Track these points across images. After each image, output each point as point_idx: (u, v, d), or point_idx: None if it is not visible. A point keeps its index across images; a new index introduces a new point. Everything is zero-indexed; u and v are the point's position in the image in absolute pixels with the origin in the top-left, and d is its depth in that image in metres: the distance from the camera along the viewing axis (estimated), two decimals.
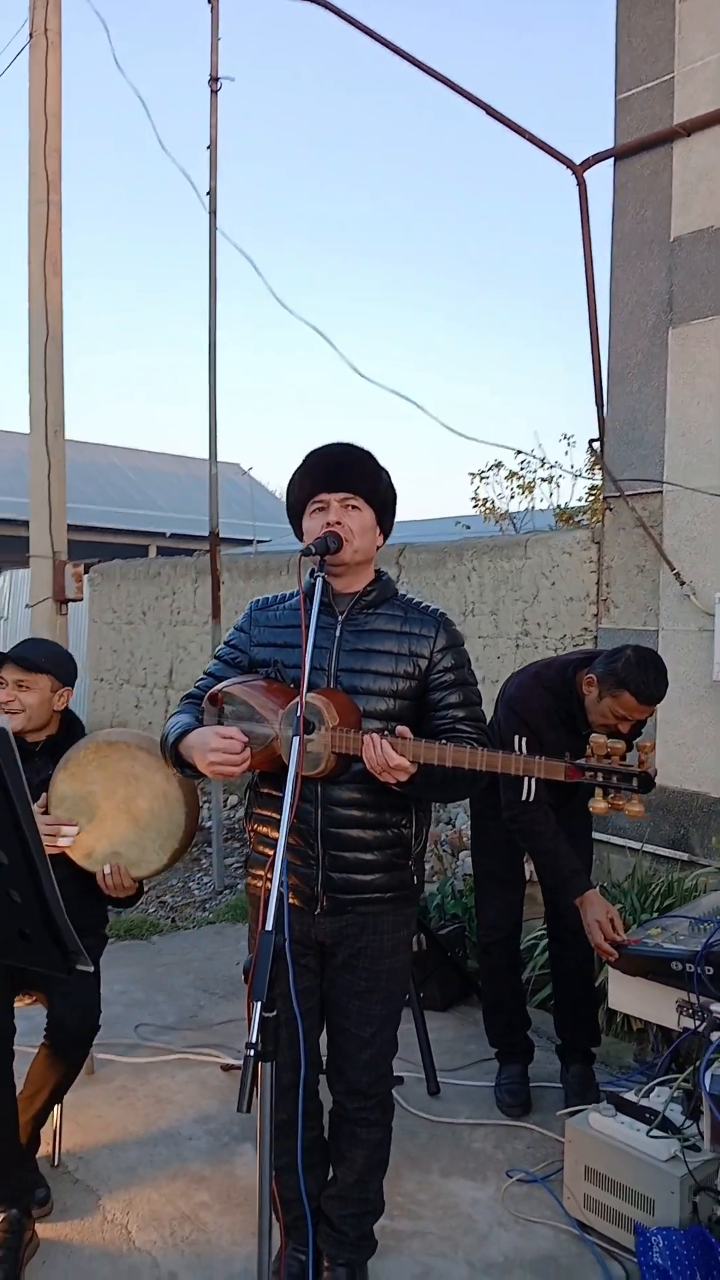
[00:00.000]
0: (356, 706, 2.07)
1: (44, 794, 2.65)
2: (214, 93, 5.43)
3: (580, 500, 13.03)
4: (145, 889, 2.82)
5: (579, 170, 5.84)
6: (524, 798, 2.94)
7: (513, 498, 13.10)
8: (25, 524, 7.75)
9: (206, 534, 6.97)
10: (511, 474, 12.75)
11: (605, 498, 5.82)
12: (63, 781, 2.63)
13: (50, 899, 1.53)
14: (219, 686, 2.15)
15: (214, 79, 5.43)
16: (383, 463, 2.24)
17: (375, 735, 1.93)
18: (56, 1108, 2.75)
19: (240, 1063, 3.36)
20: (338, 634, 2.16)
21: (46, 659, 2.74)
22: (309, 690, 2.06)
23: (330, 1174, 2.32)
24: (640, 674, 2.81)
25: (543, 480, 12.90)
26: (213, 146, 5.49)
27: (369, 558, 2.21)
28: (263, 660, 2.21)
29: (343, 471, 2.16)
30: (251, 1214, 2.46)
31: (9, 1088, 2.46)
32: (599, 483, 12.21)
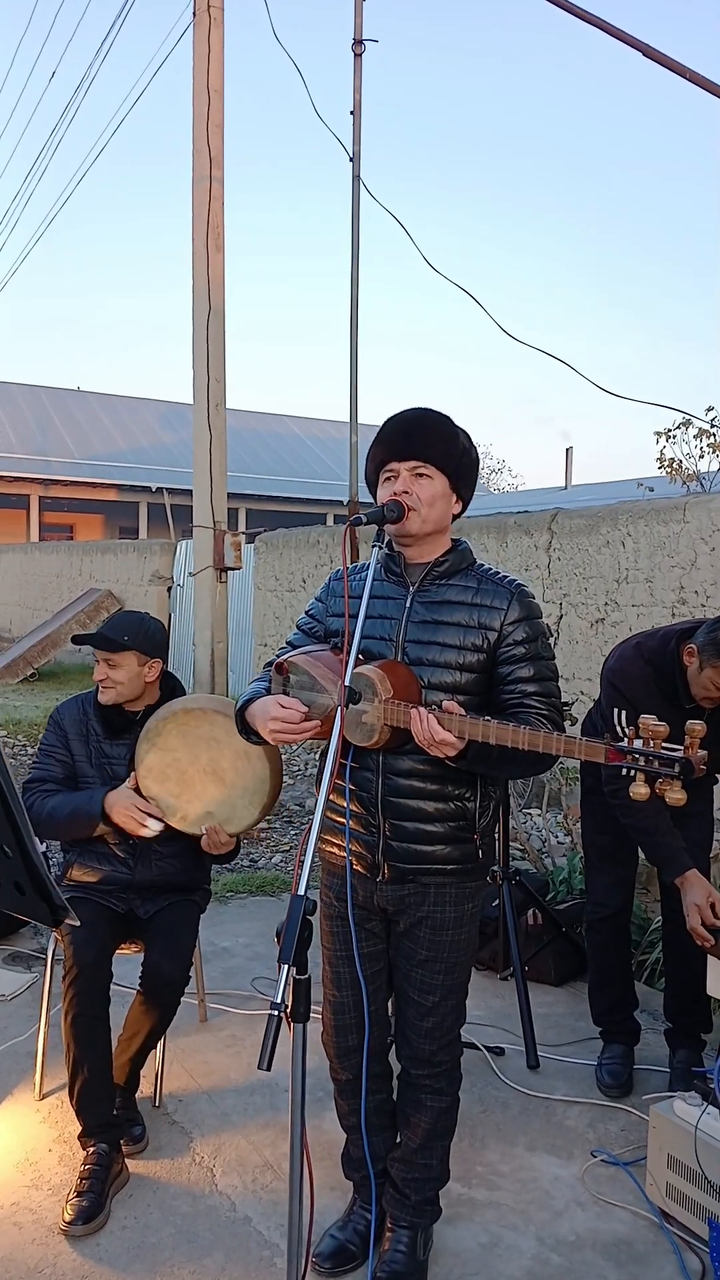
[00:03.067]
0: (417, 679, 2.05)
1: (133, 774, 2.77)
2: (358, 56, 5.40)
3: None
4: (242, 844, 2.90)
5: None
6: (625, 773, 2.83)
7: (702, 456, 12.47)
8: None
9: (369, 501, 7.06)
10: (701, 432, 12.13)
11: None
12: (148, 753, 2.74)
13: (33, 858, 1.61)
14: (284, 657, 2.19)
15: (358, 41, 5.39)
16: (461, 426, 2.19)
17: (422, 709, 1.91)
18: (161, 1050, 2.90)
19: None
20: (408, 605, 2.13)
21: (130, 635, 2.82)
22: (369, 661, 2.06)
23: (398, 1136, 2.34)
24: None
25: None
26: (356, 110, 5.47)
27: (442, 527, 2.16)
28: (336, 630, 2.22)
29: (412, 439, 2.11)
30: (333, 1168, 2.51)
31: (105, 1030, 2.61)
32: None
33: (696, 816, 3.15)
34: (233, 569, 7.68)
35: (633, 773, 1.69)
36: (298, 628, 2.34)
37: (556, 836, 5.32)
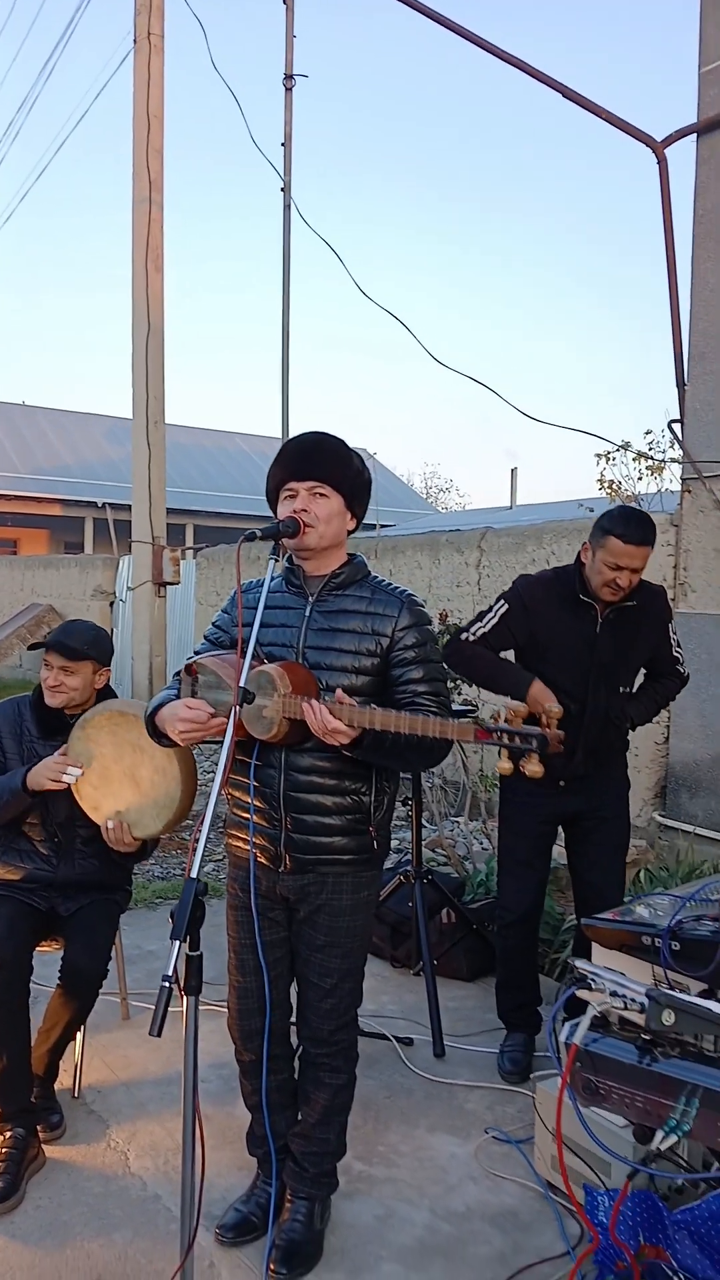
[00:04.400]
0: (314, 678, 2.22)
1: (62, 747, 2.90)
2: (288, 90, 5.60)
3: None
4: (150, 851, 3.03)
5: (659, 148, 5.76)
6: (465, 636, 3.20)
7: (640, 479, 12.84)
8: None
9: None
10: (639, 455, 12.49)
11: (684, 479, 5.76)
12: (78, 740, 2.87)
13: None
14: (193, 659, 2.34)
15: (289, 76, 5.59)
16: (355, 449, 2.37)
17: (314, 702, 2.08)
18: (80, 1043, 3.02)
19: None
20: (307, 614, 2.30)
21: (88, 645, 2.97)
22: (270, 661, 2.22)
23: (300, 1114, 2.48)
24: (620, 520, 3.00)
25: (674, 461, 12.55)
26: (287, 142, 5.67)
27: (338, 542, 2.34)
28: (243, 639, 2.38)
29: (310, 461, 2.29)
30: (241, 1150, 2.65)
31: (24, 1021, 2.72)
32: None
33: (614, 819, 3.34)
34: (171, 584, 7.79)
35: (499, 750, 1.87)
36: (205, 638, 2.49)
37: (480, 843, 5.50)
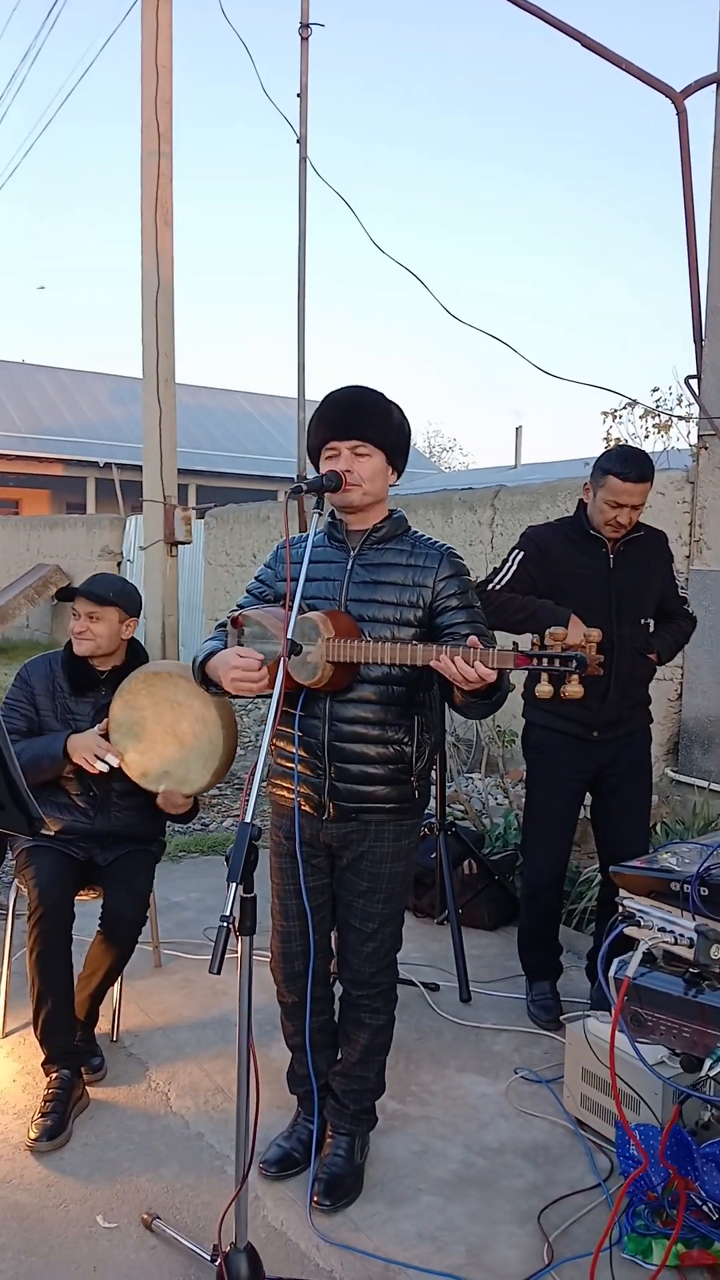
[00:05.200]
0: (356, 625, 2.26)
1: (105, 720, 2.94)
2: (304, 40, 5.53)
3: None
4: (200, 806, 3.09)
5: (679, 98, 5.69)
6: (492, 587, 3.24)
7: (647, 437, 12.79)
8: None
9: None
10: (647, 412, 12.44)
11: (701, 436, 5.75)
12: (118, 708, 2.92)
13: (13, 773, 1.79)
14: (240, 611, 2.38)
15: (304, 25, 5.52)
16: (394, 400, 2.38)
17: (445, 650, 2.03)
18: (118, 990, 3.10)
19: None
20: (349, 567, 2.34)
21: (114, 593, 3.02)
22: (313, 610, 2.26)
23: (339, 1054, 2.56)
24: (617, 457, 3.11)
25: (680, 419, 12.51)
26: (303, 93, 5.60)
27: (380, 498, 2.37)
28: (284, 594, 2.41)
29: (351, 419, 2.31)
30: (279, 1090, 2.73)
31: (68, 966, 2.79)
32: None
33: (640, 774, 3.38)
34: (183, 543, 7.81)
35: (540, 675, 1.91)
36: (247, 591, 2.53)
37: (495, 798, 5.58)
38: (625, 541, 3.23)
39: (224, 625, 2.49)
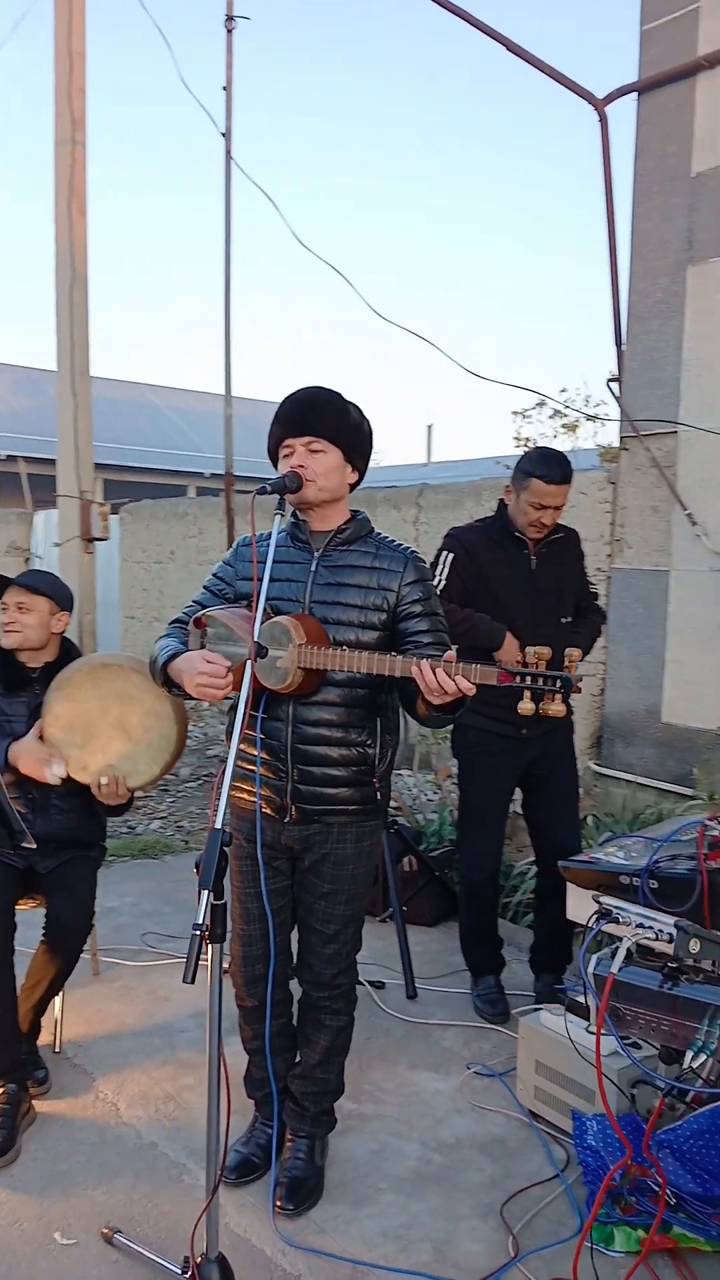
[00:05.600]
0: (324, 630, 2.24)
1: (39, 722, 2.85)
2: (229, 31, 5.46)
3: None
4: (133, 803, 3.03)
5: (601, 105, 5.81)
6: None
7: (555, 437, 13.03)
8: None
9: (246, 474, 7.15)
10: (555, 412, 12.68)
11: (622, 438, 5.87)
12: (57, 702, 2.83)
13: None
14: (203, 612, 2.33)
15: (229, 17, 5.45)
16: (352, 400, 2.37)
17: (424, 663, 2.01)
18: (59, 1000, 3.02)
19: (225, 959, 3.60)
20: (313, 569, 2.32)
21: (45, 584, 2.94)
22: (281, 613, 2.23)
23: (297, 1057, 2.54)
24: (540, 460, 3.19)
25: (587, 419, 12.79)
26: (229, 86, 5.54)
27: (338, 496, 2.35)
28: (246, 593, 2.38)
29: (306, 416, 2.29)
30: (236, 1095, 2.68)
31: (11, 978, 2.71)
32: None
33: (567, 767, 3.45)
34: (100, 540, 7.64)
35: (522, 692, 1.92)
36: (205, 588, 2.48)
37: (426, 794, 5.62)
38: (546, 543, 3.32)
39: (178, 623, 2.44)
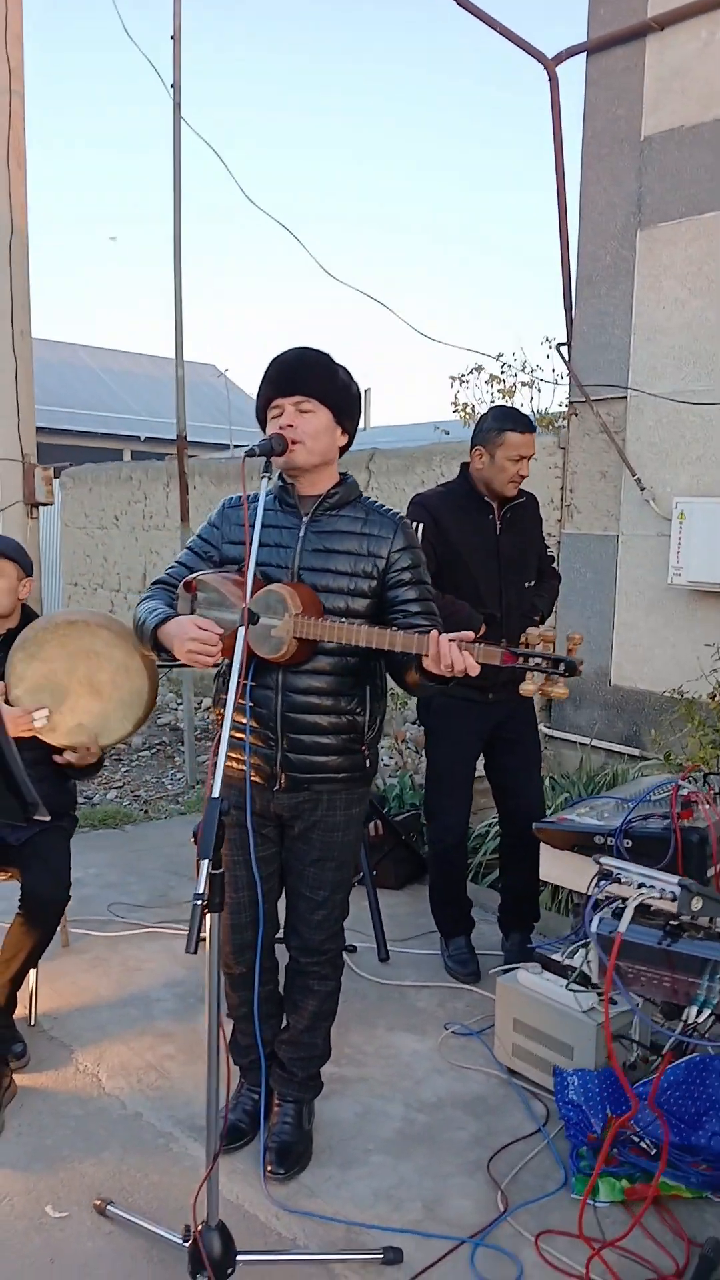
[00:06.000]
0: (319, 599, 2.22)
1: (1, 684, 2.79)
2: None
3: (561, 405, 12.95)
4: (103, 764, 2.99)
5: (551, 65, 5.76)
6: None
7: (493, 402, 13.01)
8: None
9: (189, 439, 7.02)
10: (492, 378, 12.66)
11: (571, 403, 5.89)
12: (21, 662, 2.76)
13: (8, 754, 1.70)
14: (194, 575, 2.28)
15: None
16: (341, 363, 2.33)
17: (442, 636, 2.01)
18: (32, 974, 2.98)
19: (206, 934, 3.61)
20: (301, 534, 2.28)
21: (12, 549, 2.87)
22: (276, 581, 2.21)
23: (284, 1023, 2.55)
24: (508, 417, 3.23)
25: (524, 385, 12.81)
26: (176, 36, 5.37)
27: (327, 459, 2.31)
28: (232, 557, 2.34)
29: (295, 375, 2.25)
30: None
31: None
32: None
33: (529, 730, 3.49)
34: (44, 505, 7.48)
35: (524, 674, 1.93)
36: (189, 549, 2.43)
37: (384, 759, 5.64)
38: (511, 507, 3.35)
39: (161, 584, 2.39)
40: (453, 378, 13.12)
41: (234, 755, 2.34)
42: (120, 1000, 3.19)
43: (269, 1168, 2.38)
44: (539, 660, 1.92)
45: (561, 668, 1.89)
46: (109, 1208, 2.24)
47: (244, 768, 2.32)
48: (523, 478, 3.27)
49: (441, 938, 3.53)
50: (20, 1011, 2.98)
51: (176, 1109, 2.63)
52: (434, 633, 2.02)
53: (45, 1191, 2.32)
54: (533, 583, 3.44)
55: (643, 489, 5.17)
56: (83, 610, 2.90)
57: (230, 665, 2.37)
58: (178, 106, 5.38)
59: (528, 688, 1.94)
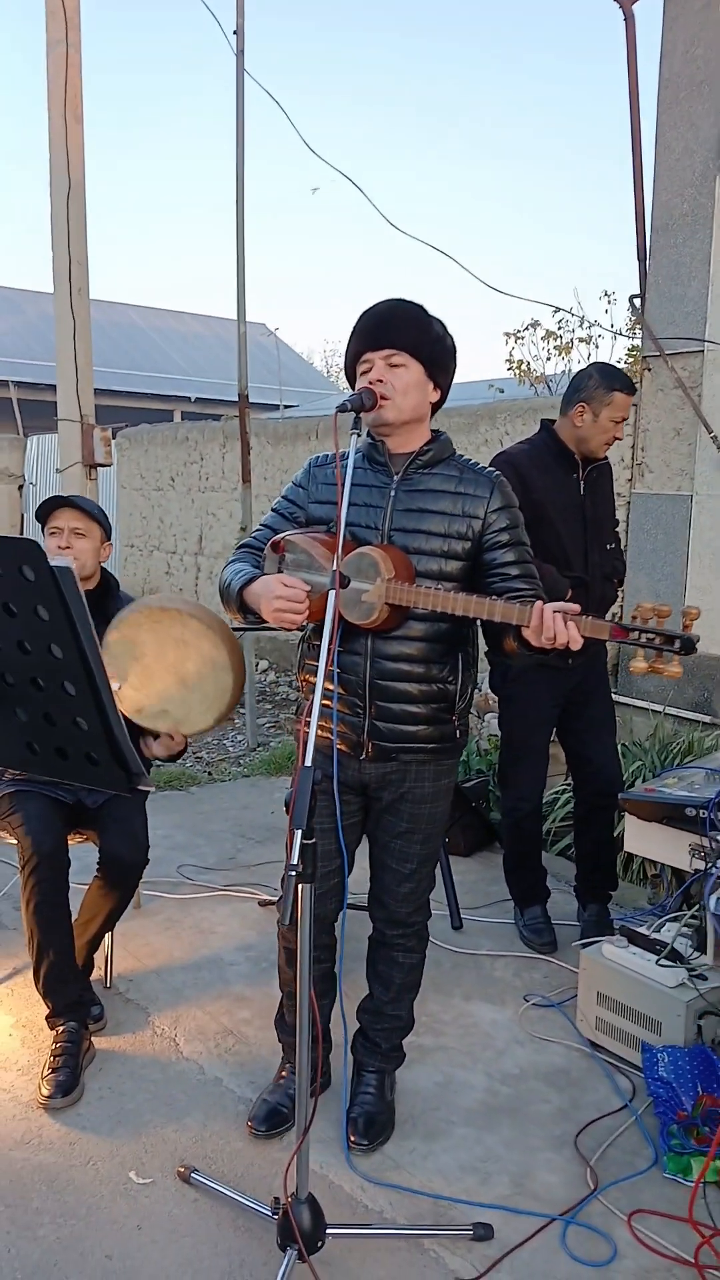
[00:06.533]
0: (411, 563, 2.13)
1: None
2: None
3: (620, 361, 12.62)
4: (187, 748, 2.94)
5: (626, 4, 5.51)
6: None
7: (549, 359, 12.71)
8: (51, 388, 7.70)
9: (232, 398, 6.92)
10: (548, 334, 12.35)
11: (644, 357, 5.70)
12: (115, 642, 2.72)
13: (114, 724, 1.66)
14: (281, 535, 2.21)
15: None
16: (436, 315, 2.22)
17: (546, 607, 1.91)
18: (108, 937, 2.97)
19: (277, 898, 3.57)
20: (392, 493, 2.19)
21: (96, 510, 2.81)
22: (367, 543, 2.12)
23: (369, 993, 2.50)
24: (616, 375, 3.15)
25: (581, 340, 12.49)
26: None
27: (419, 416, 2.21)
28: (319, 517, 2.26)
29: (386, 328, 2.15)
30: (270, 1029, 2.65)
31: (67, 915, 2.65)
32: (639, 343, 11.84)
33: (605, 693, 3.40)
34: (103, 465, 7.44)
35: (635, 650, 1.83)
36: (274, 511, 2.36)
37: None
38: (594, 468, 3.26)
39: (247, 547, 2.33)
40: (507, 334, 12.80)
41: (321, 722, 2.27)
42: (194, 963, 3.18)
43: (352, 1138, 2.35)
44: (652, 636, 1.81)
45: (677, 645, 1.78)
46: (193, 1175, 2.22)
47: (325, 734, 2.26)
48: (617, 440, 3.16)
49: (516, 906, 3.47)
50: (96, 974, 2.98)
51: (256, 1075, 2.61)
52: (538, 604, 1.93)
53: (129, 1157, 2.31)
54: (613, 545, 3.34)
55: None
56: (176, 597, 2.84)
57: (313, 630, 2.31)
58: (240, 54, 5.23)
59: (638, 665, 1.84)
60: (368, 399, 2.11)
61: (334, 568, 1.96)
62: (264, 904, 3.56)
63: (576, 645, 1.92)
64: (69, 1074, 2.51)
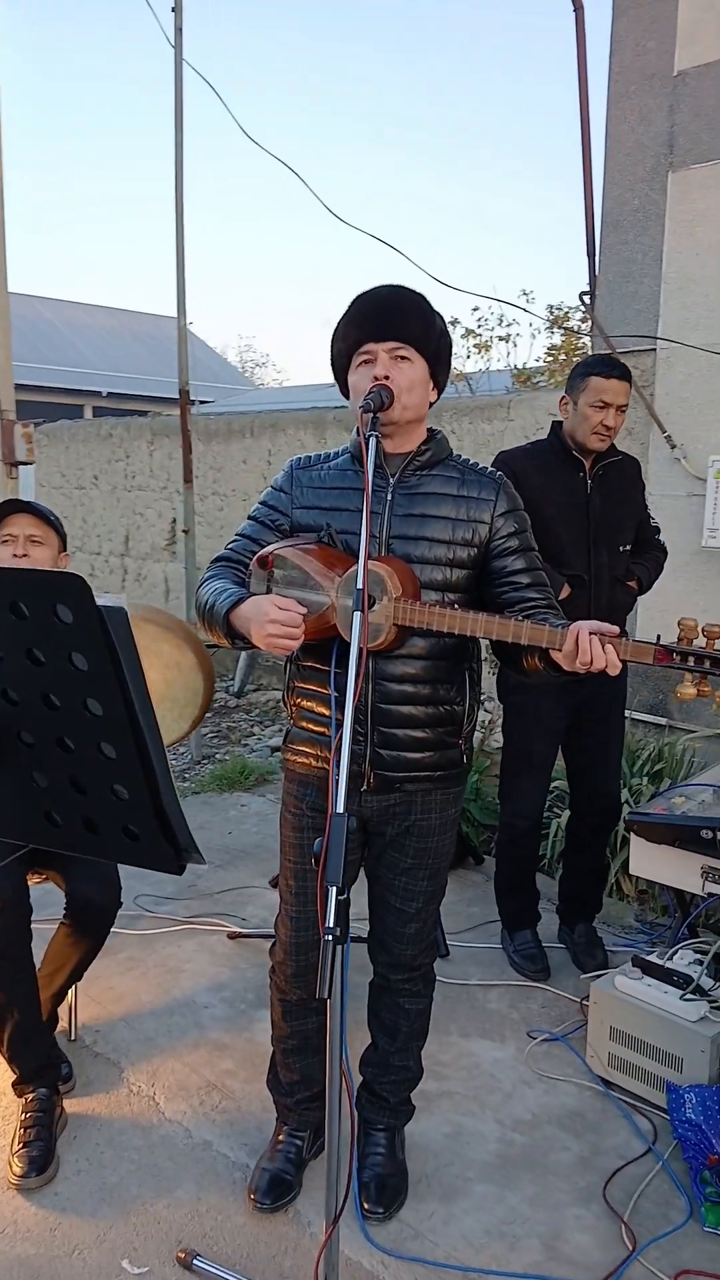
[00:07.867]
0: (416, 576, 1.93)
1: None
2: None
3: (538, 361, 12.63)
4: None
5: None
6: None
7: (468, 357, 12.66)
8: None
9: (146, 394, 6.64)
10: (468, 332, 12.30)
11: (594, 355, 5.61)
12: None
13: (165, 793, 1.41)
14: (270, 549, 1.98)
15: None
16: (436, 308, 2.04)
17: (584, 627, 1.73)
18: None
19: (248, 931, 3.32)
20: (389, 498, 1.99)
21: (52, 518, 2.55)
22: (354, 550, 1.92)
23: (371, 1043, 2.30)
24: (596, 361, 3.03)
25: (500, 339, 12.46)
26: None
27: (420, 415, 2.01)
28: (306, 524, 2.04)
29: (391, 318, 1.94)
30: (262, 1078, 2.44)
31: (30, 967, 2.39)
32: (559, 342, 11.82)
33: (616, 709, 3.24)
34: (26, 464, 7.07)
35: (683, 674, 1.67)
36: (252, 519, 2.12)
37: None
38: (604, 465, 3.09)
39: (225, 561, 2.09)
40: None
41: (307, 750, 2.06)
42: (164, 1007, 2.92)
43: (366, 1206, 2.14)
44: (701, 659, 1.65)
45: None
46: (195, 1261, 1.98)
47: (319, 764, 2.05)
48: (609, 429, 2.99)
49: (504, 930, 3.29)
50: (60, 1026, 2.71)
51: (249, 1136, 2.38)
52: (575, 627, 1.74)
53: (119, 1241, 2.06)
54: (629, 547, 3.18)
55: (673, 447, 4.91)
56: (129, 603, 2.59)
57: (303, 649, 2.09)
58: (179, 31, 4.95)
59: (686, 691, 1.67)
60: (387, 397, 1.90)
61: (359, 585, 1.73)
62: (233, 936, 3.32)
63: (615, 671, 1.74)
64: (42, 1148, 2.25)
